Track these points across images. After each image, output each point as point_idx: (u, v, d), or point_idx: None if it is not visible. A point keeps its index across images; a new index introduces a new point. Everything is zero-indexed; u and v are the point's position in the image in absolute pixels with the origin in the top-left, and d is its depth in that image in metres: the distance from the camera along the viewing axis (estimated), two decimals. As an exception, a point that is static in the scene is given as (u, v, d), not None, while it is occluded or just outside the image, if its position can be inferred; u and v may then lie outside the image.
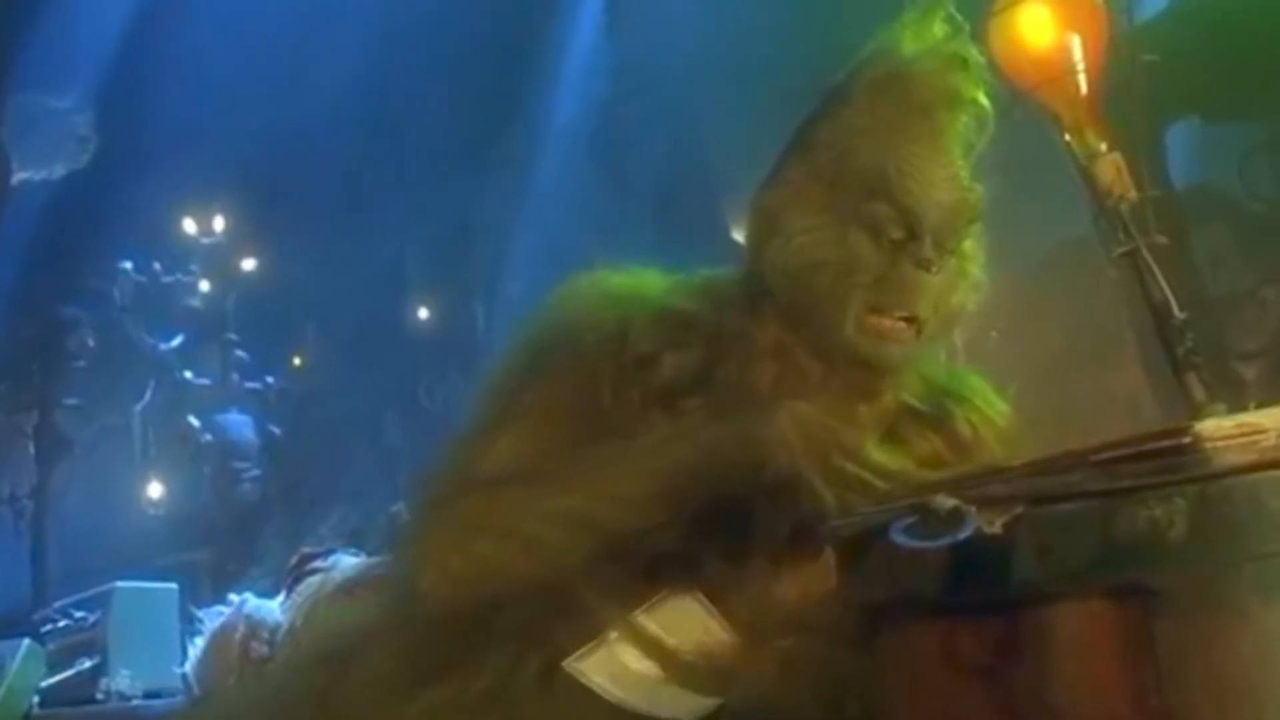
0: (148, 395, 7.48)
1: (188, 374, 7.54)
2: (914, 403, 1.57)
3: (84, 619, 4.21)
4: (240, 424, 7.52)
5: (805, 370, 1.50)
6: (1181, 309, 1.84)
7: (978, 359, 1.97)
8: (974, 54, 1.52)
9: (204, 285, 7.64)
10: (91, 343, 7.25)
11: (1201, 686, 0.99)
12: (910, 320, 1.47)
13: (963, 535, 1.05)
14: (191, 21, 7.08)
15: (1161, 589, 1.00)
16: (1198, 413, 1.64)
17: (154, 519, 7.32)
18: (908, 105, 1.48)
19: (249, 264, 7.78)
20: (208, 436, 7.35)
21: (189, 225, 7.60)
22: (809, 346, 1.50)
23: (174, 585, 4.42)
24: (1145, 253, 1.89)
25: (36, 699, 4.18)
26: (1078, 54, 3.07)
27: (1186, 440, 1.00)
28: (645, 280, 1.58)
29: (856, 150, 1.48)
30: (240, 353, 7.69)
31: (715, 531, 1.40)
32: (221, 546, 7.22)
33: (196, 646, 3.96)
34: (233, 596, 4.10)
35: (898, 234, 1.46)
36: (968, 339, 2.03)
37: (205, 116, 7.10)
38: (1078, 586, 1.03)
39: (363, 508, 6.86)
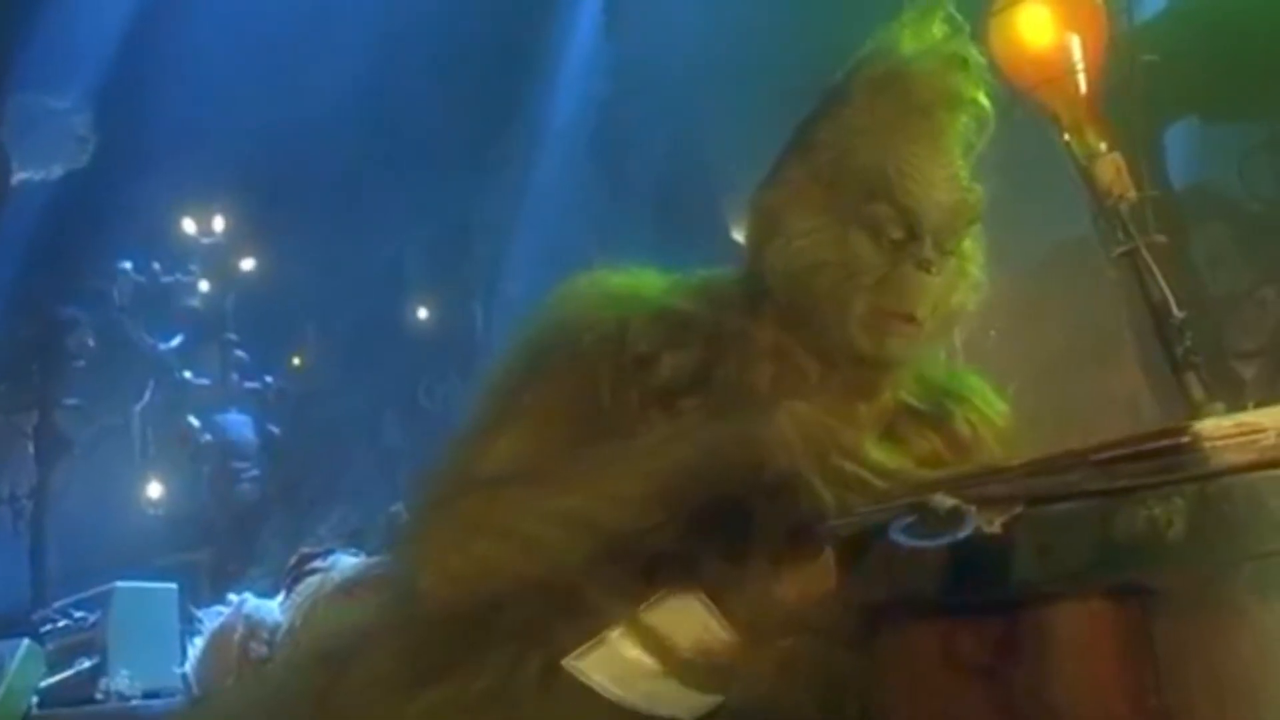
0: (147, 395, 7.48)
1: (187, 374, 7.55)
2: (913, 402, 1.57)
3: (83, 619, 4.21)
4: (240, 424, 7.52)
5: (804, 370, 1.50)
6: (1180, 309, 1.85)
7: (977, 359, 1.97)
8: (974, 54, 1.51)
9: (203, 285, 7.65)
10: (91, 343, 7.24)
11: (1201, 686, 0.99)
12: (911, 320, 1.47)
13: (962, 535, 1.05)
14: (191, 21, 7.09)
15: (1161, 589, 1.00)
16: (1196, 412, 1.65)
17: (153, 519, 7.32)
18: (907, 105, 1.48)
19: (248, 264, 7.79)
20: (207, 436, 7.36)
21: (188, 225, 7.61)
22: (808, 346, 1.50)
23: (173, 585, 4.42)
24: (1144, 252, 1.89)
25: (36, 699, 4.18)
26: (1077, 54, 3.08)
27: (1185, 440, 1.00)
28: (644, 280, 1.58)
29: (856, 150, 1.48)
30: (239, 353, 7.69)
31: (715, 531, 1.40)
32: (221, 546, 7.23)
33: (196, 646, 3.96)
34: (232, 596, 4.10)
35: (898, 234, 1.46)
36: (967, 339, 2.03)
37: (205, 116, 7.10)
38: (1077, 586, 1.03)
39: (362, 508, 6.87)
